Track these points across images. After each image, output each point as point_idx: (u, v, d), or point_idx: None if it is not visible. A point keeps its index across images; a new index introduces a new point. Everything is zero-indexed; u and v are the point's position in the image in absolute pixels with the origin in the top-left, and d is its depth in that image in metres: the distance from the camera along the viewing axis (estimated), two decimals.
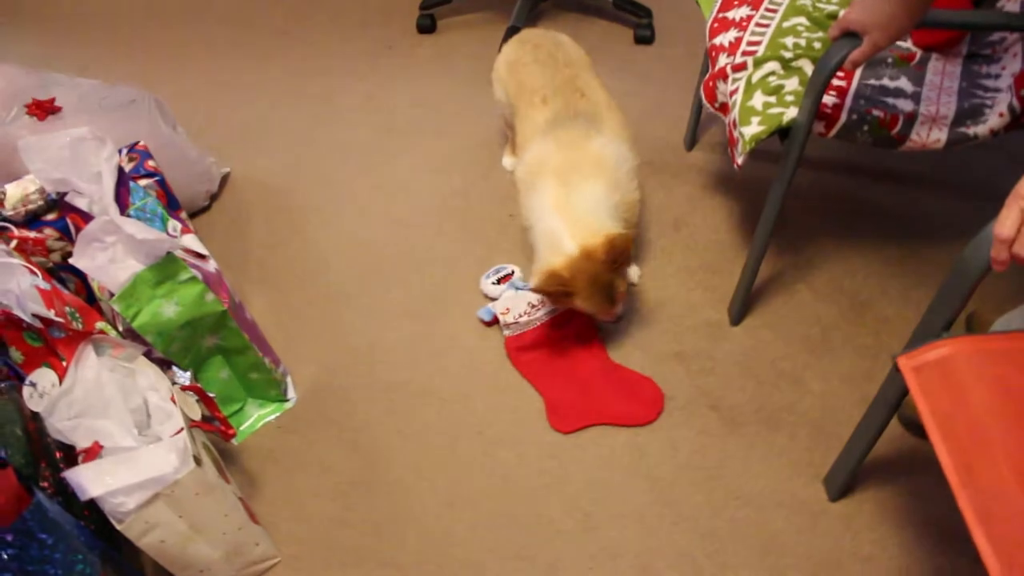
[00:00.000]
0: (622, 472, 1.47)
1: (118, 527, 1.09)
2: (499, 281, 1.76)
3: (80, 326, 1.20)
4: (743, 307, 1.67)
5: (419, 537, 1.41)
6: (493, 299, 1.75)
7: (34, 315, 1.13)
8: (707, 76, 1.55)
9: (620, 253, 1.43)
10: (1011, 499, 0.91)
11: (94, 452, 1.11)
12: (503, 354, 1.67)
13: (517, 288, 1.73)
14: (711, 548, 1.35)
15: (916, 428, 1.45)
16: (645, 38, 2.53)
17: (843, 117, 1.36)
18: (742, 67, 1.46)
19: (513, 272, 1.78)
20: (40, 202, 1.53)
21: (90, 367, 1.17)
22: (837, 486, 1.37)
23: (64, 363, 1.17)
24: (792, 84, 1.40)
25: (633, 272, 1.78)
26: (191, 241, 1.50)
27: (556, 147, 1.56)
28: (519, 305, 1.69)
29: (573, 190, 1.50)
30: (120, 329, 1.36)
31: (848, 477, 1.35)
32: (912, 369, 1.03)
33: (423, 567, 1.36)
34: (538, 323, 1.67)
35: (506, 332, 1.68)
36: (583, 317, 1.69)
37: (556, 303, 1.60)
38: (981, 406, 0.98)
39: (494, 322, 1.72)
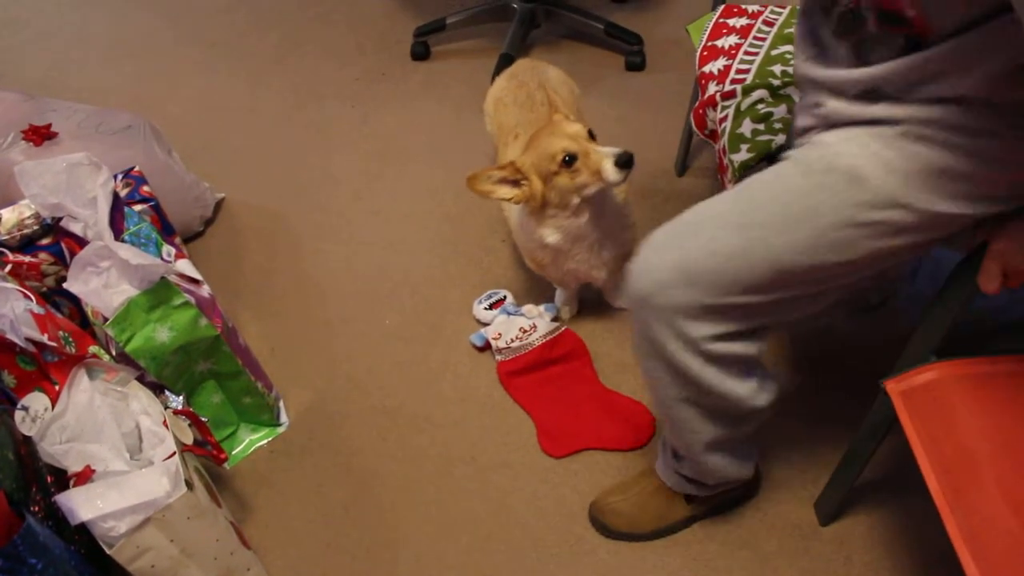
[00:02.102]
0: None
1: (108, 551, 1.09)
2: (491, 306, 1.77)
3: (73, 350, 1.20)
4: None
5: (412, 562, 1.40)
6: (485, 324, 1.76)
7: (27, 339, 1.13)
8: (697, 104, 1.58)
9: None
10: (1000, 522, 0.92)
11: (85, 476, 1.11)
12: (495, 379, 1.68)
13: (509, 314, 1.73)
14: (703, 571, 1.35)
15: None
16: (636, 65, 2.56)
17: None
18: (731, 95, 1.48)
19: (505, 297, 1.79)
20: (35, 227, 1.54)
21: (83, 391, 1.18)
22: (829, 510, 1.38)
23: (57, 387, 1.17)
24: (780, 111, 1.42)
25: (623, 298, 1.79)
26: (185, 266, 1.50)
27: None
28: (511, 330, 1.70)
29: None
30: (113, 353, 1.36)
31: (839, 501, 1.35)
32: (899, 393, 1.04)
33: None
34: (530, 348, 1.68)
35: (498, 357, 1.69)
36: (574, 342, 1.70)
37: (516, 191, 1.45)
38: (969, 429, 0.99)
39: (486, 347, 1.73)
